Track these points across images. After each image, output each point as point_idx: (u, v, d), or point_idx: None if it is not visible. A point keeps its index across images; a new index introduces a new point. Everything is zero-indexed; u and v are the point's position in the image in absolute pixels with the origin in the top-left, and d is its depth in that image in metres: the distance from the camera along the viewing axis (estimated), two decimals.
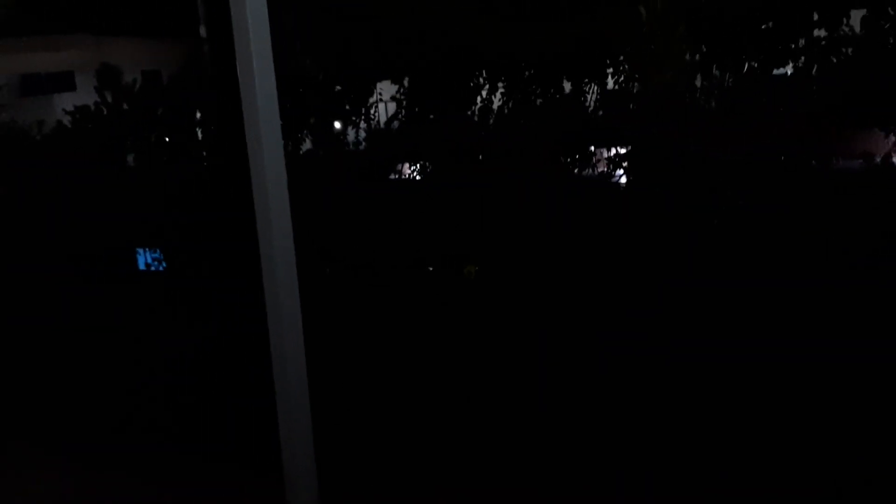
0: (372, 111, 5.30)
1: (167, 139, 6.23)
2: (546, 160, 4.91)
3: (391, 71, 5.06)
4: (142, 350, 5.31)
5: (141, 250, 6.60)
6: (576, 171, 4.90)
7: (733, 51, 3.59)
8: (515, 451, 3.64)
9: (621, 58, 3.93)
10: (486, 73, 4.61)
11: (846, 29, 3.54)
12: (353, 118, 5.26)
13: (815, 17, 3.51)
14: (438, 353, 4.42)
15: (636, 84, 3.88)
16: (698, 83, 3.84)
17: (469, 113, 4.98)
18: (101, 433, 4.80)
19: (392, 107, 5.46)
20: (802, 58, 3.58)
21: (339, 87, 5.30)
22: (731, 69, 3.63)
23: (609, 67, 4.05)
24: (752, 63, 3.66)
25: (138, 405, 4.92)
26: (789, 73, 3.70)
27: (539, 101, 4.61)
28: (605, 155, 4.84)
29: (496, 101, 4.90)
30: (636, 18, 3.58)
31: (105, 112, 6.30)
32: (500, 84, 4.65)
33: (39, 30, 11.66)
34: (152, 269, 6.34)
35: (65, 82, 14.49)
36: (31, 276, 5.95)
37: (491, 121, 4.90)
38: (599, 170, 4.92)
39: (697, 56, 3.62)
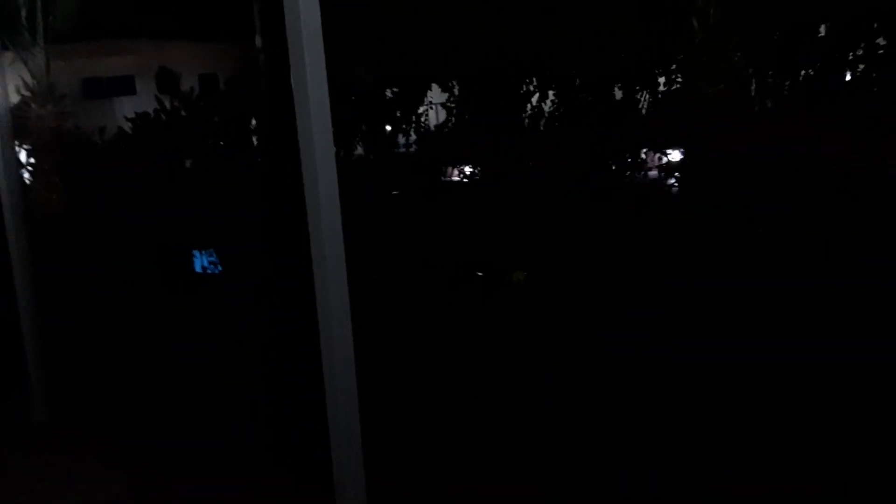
0: (422, 118, 5.36)
1: (223, 144, 6.39)
2: (595, 166, 4.90)
3: (441, 78, 5.11)
4: (195, 348, 5.46)
5: (197, 253, 6.79)
6: (626, 175, 4.88)
7: (789, 59, 3.53)
8: (570, 463, 3.65)
9: (673, 66, 3.89)
10: (536, 81, 4.61)
11: None
12: (404, 125, 5.32)
13: (875, 25, 3.43)
14: (487, 359, 4.44)
15: (688, 92, 3.84)
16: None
17: (519, 119, 5.00)
18: (153, 429, 4.97)
19: (443, 113, 5.51)
20: (861, 66, 3.51)
21: (389, 94, 5.37)
22: (786, 78, 3.57)
23: (661, 76, 4.02)
24: (808, 71, 3.60)
25: (191, 404, 5.07)
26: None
27: (589, 107, 4.61)
28: (657, 160, 4.81)
29: (547, 107, 4.91)
30: (689, 28, 3.56)
31: (164, 118, 6.49)
32: (550, 91, 4.65)
33: (101, 35, 12.04)
34: (208, 271, 6.51)
35: (125, 86, 14.96)
36: (92, 278, 6.17)
37: (541, 126, 4.91)
38: (651, 175, 4.89)
39: (751, 67, 3.57)
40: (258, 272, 5.58)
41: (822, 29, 3.87)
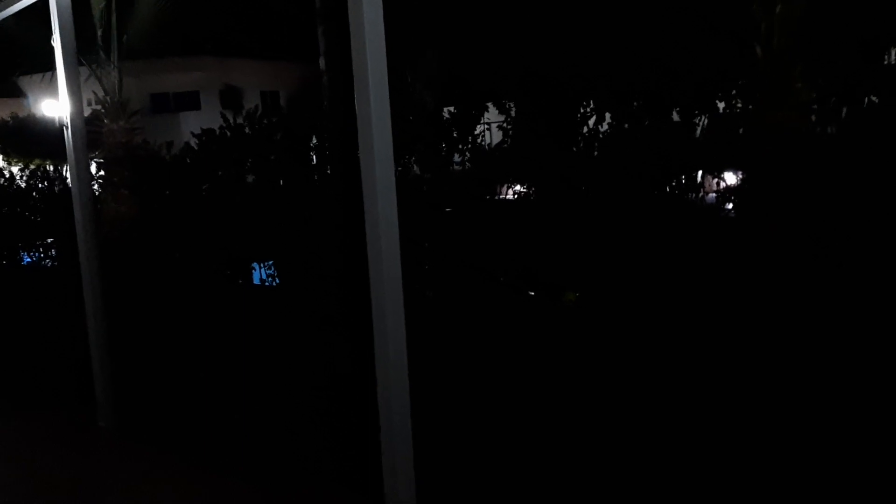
0: (479, 138, 5.43)
1: (284, 161, 6.55)
2: (651, 188, 4.89)
3: (497, 100, 5.18)
4: (255, 359, 5.60)
5: (257, 265, 6.98)
6: (682, 198, 4.85)
7: (851, 87, 3.50)
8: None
9: (734, 92, 3.89)
10: (593, 104, 4.64)
11: None
12: (460, 145, 5.40)
13: None
14: (537, 383, 4.46)
15: (750, 119, 3.83)
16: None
17: (575, 141, 5.03)
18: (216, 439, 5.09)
19: (498, 133, 5.57)
20: None
21: (447, 116, 5.46)
22: (848, 105, 3.54)
23: (721, 101, 4.01)
24: (872, 98, 3.55)
25: (252, 414, 5.19)
26: None
27: (646, 130, 4.61)
28: (716, 184, 4.78)
29: (603, 128, 4.93)
30: (751, 55, 3.55)
31: (228, 135, 6.70)
32: (607, 114, 4.68)
33: (169, 52, 12.48)
34: (267, 283, 6.69)
35: (191, 101, 15.50)
36: (157, 287, 6.39)
37: (596, 151, 4.93)
38: (710, 198, 4.85)
39: (814, 94, 3.54)
40: (317, 286, 5.71)
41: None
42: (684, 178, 4.74)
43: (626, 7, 4.21)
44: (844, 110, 3.64)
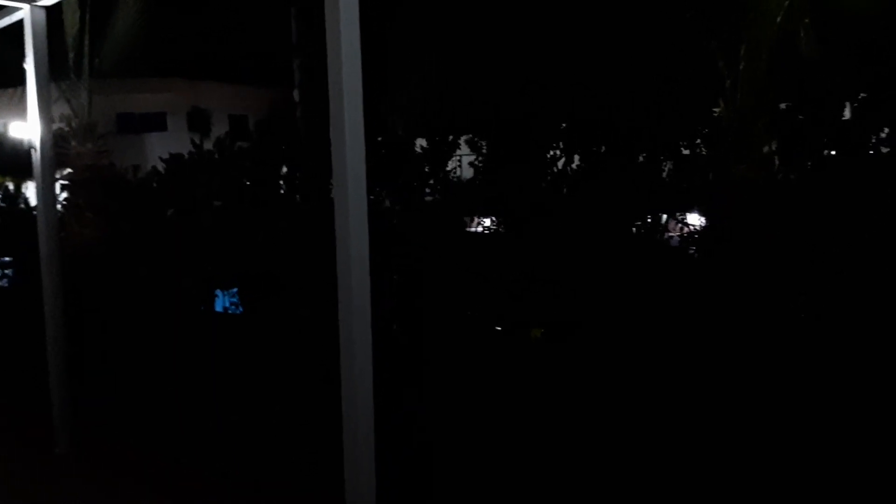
0: (451, 173, 5.52)
1: (253, 187, 6.54)
2: (616, 227, 5.01)
3: (470, 138, 5.28)
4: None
5: (220, 293, 6.91)
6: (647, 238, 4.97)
7: (812, 142, 3.66)
8: None
9: (698, 141, 4.03)
10: (562, 146, 4.76)
11: None
12: (432, 180, 5.47)
13: None
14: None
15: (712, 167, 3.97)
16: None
17: (543, 180, 5.14)
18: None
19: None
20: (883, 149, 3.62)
21: (420, 150, 5.53)
22: (808, 159, 3.69)
23: (686, 149, 4.15)
24: (831, 152, 3.72)
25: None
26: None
27: (612, 172, 4.74)
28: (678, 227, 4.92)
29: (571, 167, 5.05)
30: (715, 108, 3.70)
31: (196, 160, 6.67)
32: (575, 156, 4.80)
33: (139, 73, 12.43)
34: (230, 311, 6.63)
35: (157, 122, 15.39)
36: (116, 312, 6.30)
37: (564, 189, 5.04)
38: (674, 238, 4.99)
39: (775, 146, 3.70)
40: (283, 315, 5.69)
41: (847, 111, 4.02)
42: (649, 218, 4.88)
43: (604, 56, 4.36)
44: (804, 162, 3.81)
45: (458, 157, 5.68)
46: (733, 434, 3.59)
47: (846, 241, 3.47)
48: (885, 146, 3.91)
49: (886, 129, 3.89)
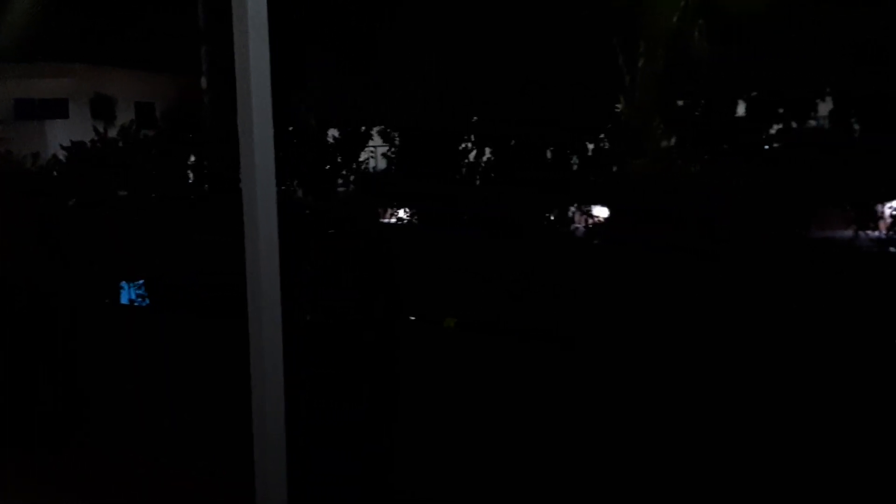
0: (363, 164, 5.52)
1: (159, 176, 6.36)
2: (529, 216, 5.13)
3: (382, 129, 5.30)
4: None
5: (125, 284, 6.70)
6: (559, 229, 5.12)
7: (706, 140, 3.85)
8: None
9: (602, 136, 4.18)
10: (474, 138, 4.85)
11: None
12: (344, 171, 5.46)
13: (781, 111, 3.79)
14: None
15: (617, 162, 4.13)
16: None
17: (456, 172, 5.21)
18: None
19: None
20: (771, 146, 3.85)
21: (332, 141, 5.51)
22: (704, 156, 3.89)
23: (591, 144, 4.30)
24: (725, 147, 3.92)
25: None
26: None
27: (523, 165, 4.86)
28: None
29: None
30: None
31: (99, 148, 6.44)
32: (486, 149, 4.89)
33: (38, 57, 11.85)
34: (136, 304, 6.44)
35: (59, 109, 14.67)
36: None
37: (477, 181, 5.13)
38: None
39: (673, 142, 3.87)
40: (191, 304, 5.58)
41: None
42: (558, 211, 5.02)
43: (509, 57, 4.45)
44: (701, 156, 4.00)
45: (371, 149, 5.69)
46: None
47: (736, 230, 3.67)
48: (776, 142, 4.15)
49: (776, 126, 4.13)
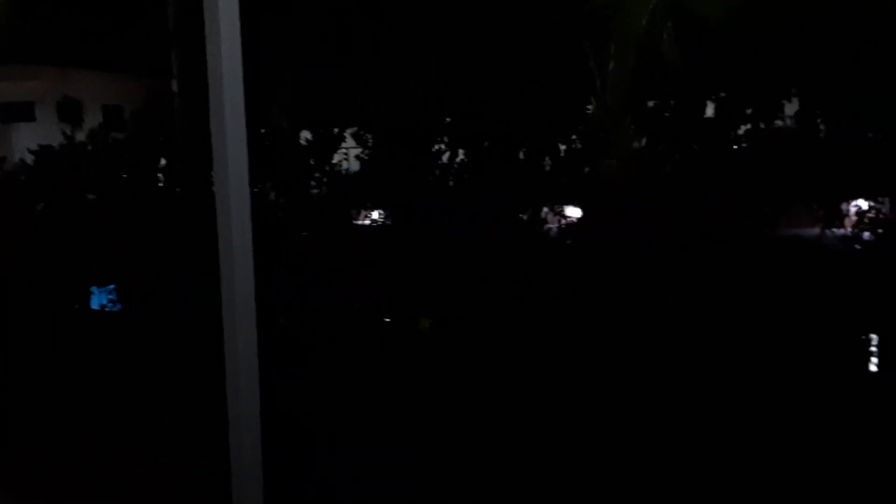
0: (336, 166, 5.50)
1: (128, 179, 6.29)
2: (503, 217, 5.15)
3: (356, 131, 5.29)
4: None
5: (96, 290, 6.60)
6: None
7: (676, 138, 3.91)
8: None
9: (574, 137, 4.21)
10: (447, 140, 4.86)
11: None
12: (317, 173, 5.44)
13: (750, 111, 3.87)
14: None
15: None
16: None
17: (430, 173, 5.21)
18: None
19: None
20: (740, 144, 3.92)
21: (305, 143, 5.49)
22: (675, 154, 3.94)
23: (563, 144, 4.33)
24: (695, 147, 3.98)
25: None
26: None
27: (497, 166, 4.87)
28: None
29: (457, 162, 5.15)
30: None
31: (67, 152, 6.35)
32: (460, 150, 4.90)
33: (2, 59, 11.65)
34: (107, 309, 6.35)
35: (24, 112, 14.39)
36: None
37: (450, 182, 5.13)
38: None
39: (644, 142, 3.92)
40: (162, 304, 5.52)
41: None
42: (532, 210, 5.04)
43: (481, 59, 4.47)
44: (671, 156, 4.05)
45: (344, 151, 5.67)
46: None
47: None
48: (744, 142, 4.22)
49: (744, 127, 4.21)
